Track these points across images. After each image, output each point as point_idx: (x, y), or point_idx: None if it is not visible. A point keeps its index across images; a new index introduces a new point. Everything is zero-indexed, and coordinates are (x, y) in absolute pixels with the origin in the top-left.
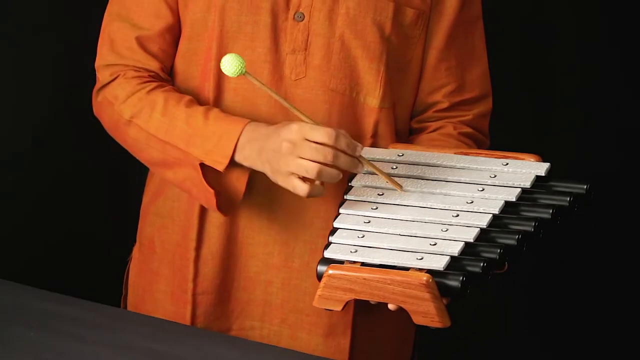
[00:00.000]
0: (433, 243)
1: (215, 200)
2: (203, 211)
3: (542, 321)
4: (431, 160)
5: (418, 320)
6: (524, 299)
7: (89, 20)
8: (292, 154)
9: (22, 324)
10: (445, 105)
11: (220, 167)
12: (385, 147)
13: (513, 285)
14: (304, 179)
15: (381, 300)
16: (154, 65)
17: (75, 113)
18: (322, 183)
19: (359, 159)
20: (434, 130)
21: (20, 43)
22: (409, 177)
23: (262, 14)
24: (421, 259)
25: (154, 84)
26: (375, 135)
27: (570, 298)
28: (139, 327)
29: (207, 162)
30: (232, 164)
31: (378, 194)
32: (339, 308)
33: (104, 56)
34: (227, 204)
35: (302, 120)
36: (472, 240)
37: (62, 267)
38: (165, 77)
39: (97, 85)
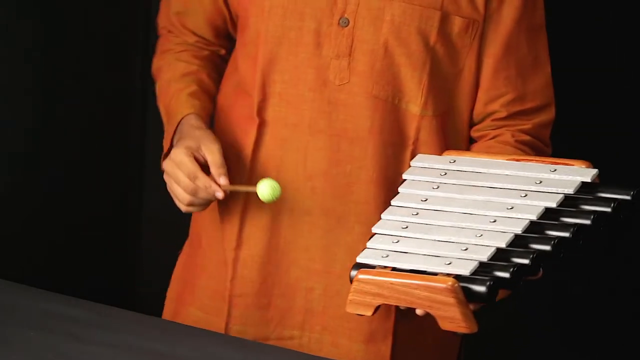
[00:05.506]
0: (464, 248)
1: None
2: (245, 212)
3: None
4: (481, 167)
5: (445, 325)
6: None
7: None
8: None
9: (22, 324)
10: (503, 114)
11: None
12: (433, 154)
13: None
14: None
15: (408, 305)
16: (191, 39)
17: (76, 114)
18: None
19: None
20: (492, 138)
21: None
22: (456, 184)
23: (306, 19)
24: (449, 264)
25: (182, 47)
26: (416, 141)
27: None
28: (139, 327)
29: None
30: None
31: (421, 200)
32: (369, 313)
33: (160, 16)
34: None
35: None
36: (504, 246)
37: (61, 268)
38: (202, 46)
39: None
